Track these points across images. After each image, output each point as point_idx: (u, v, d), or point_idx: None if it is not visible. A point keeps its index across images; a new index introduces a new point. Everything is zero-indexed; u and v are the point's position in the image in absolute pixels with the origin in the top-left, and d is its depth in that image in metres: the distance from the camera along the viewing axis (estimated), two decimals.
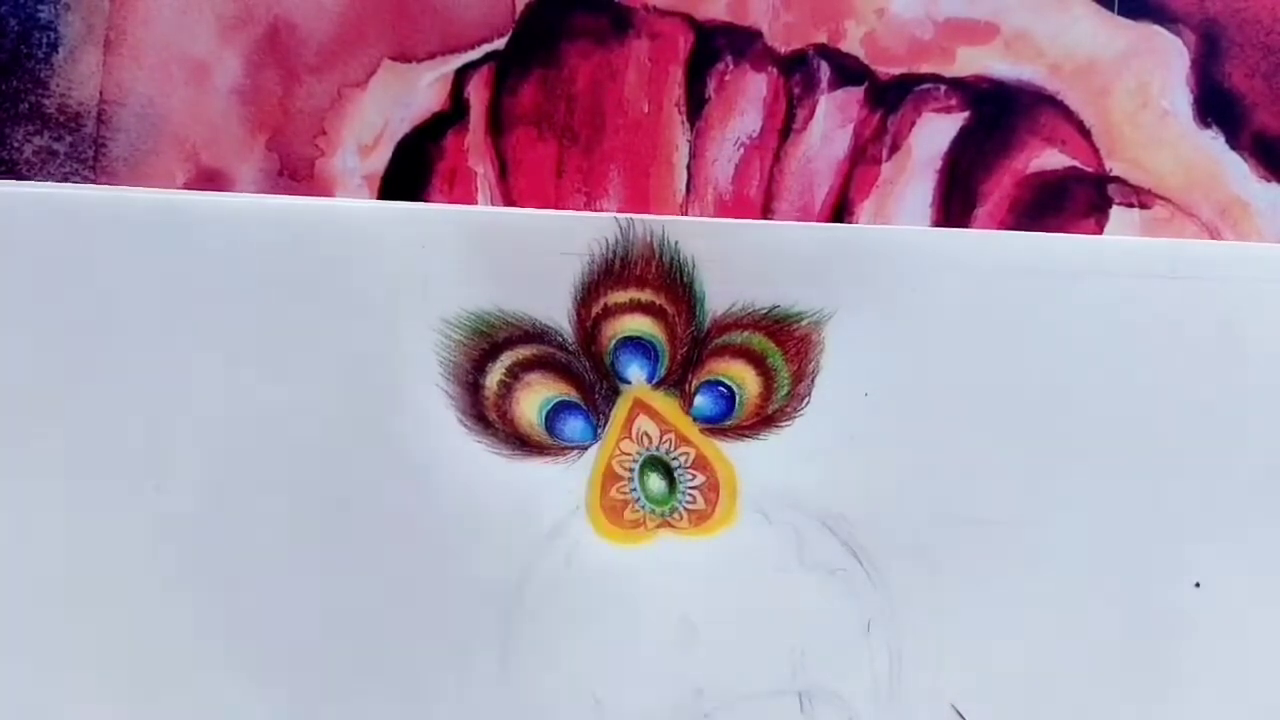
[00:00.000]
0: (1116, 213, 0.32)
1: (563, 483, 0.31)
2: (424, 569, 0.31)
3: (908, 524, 0.31)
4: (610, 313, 0.31)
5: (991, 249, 0.31)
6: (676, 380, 0.31)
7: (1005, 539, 0.31)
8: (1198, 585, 0.31)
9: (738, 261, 0.30)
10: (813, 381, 0.31)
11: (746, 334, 0.31)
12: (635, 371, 0.31)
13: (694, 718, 0.31)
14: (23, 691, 0.30)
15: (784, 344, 0.31)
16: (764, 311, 0.31)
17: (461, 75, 0.32)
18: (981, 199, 0.32)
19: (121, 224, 0.30)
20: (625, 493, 0.31)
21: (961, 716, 0.31)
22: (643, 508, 0.31)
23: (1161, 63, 0.32)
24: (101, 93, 0.32)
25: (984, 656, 0.31)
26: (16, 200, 0.30)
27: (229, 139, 0.32)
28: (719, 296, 0.31)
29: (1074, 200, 0.32)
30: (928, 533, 0.31)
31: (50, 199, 0.31)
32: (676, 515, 0.31)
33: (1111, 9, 0.32)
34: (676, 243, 0.30)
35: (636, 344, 0.31)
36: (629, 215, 0.30)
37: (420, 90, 0.32)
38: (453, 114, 0.32)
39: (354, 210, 0.31)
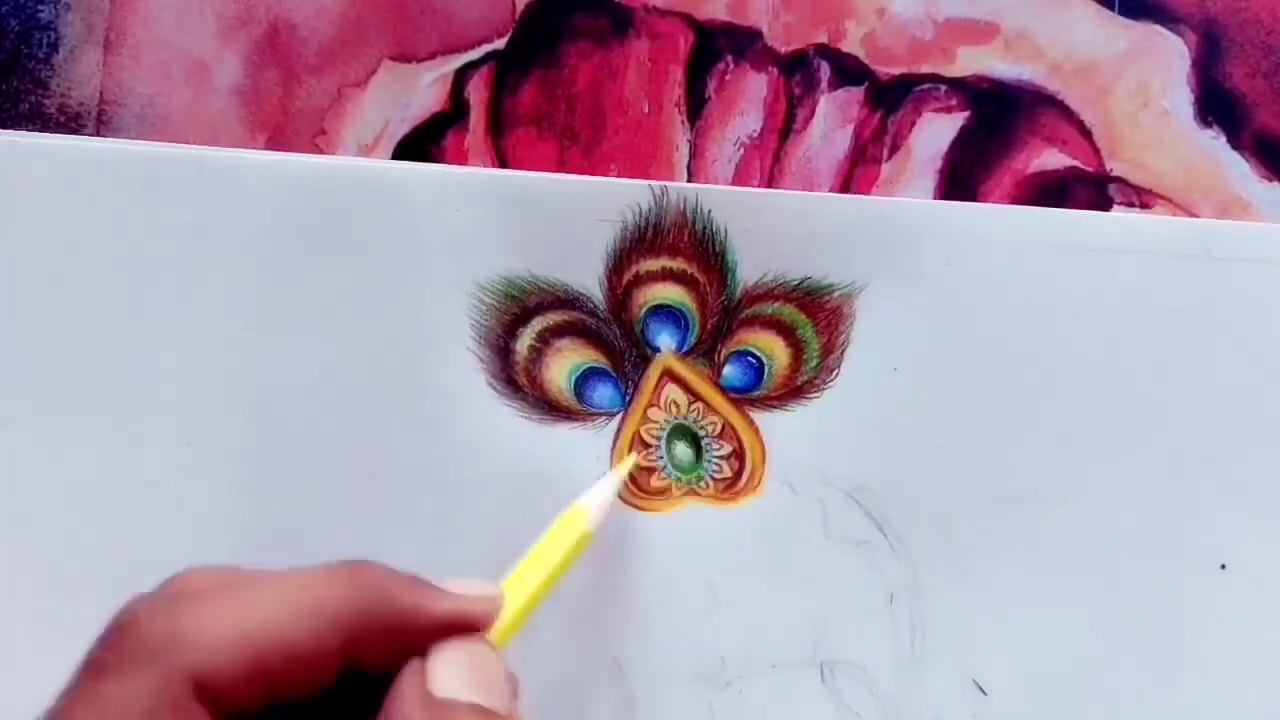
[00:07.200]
0: (1117, 212, 0.32)
1: (590, 448, 0.31)
2: (452, 531, 0.30)
3: (933, 499, 0.30)
4: (641, 280, 0.31)
5: (1026, 225, 0.30)
6: (706, 349, 0.31)
7: (1030, 515, 0.30)
8: (1223, 567, 0.30)
9: (770, 232, 0.30)
10: (842, 354, 0.31)
11: (777, 305, 0.31)
12: (665, 339, 0.31)
13: (716, 686, 0.31)
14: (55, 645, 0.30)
15: (815, 316, 0.31)
16: (795, 283, 0.31)
17: (461, 75, 0.32)
18: (981, 199, 0.32)
19: (151, 181, 0.30)
20: (652, 460, 0.31)
21: (982, 690, 0.31)
22: (669, 475, 0.31)
23: (1162, 63, 0.32)
24: (101, 93, 0.32)
25: (1005, 631, 0.31)
26: (45, 152, 0.30)
27: (229, 139, 0.32)
28: (750, 266, 0.30)
29: (1074, 200, 0.32)
30: (952, 508, 0.30)
31: (79, 150, 0.31)
32: (703, 484, 0.31)
33: (1112, 9, 0.32)
34: (710, 211, 0.30)
35: (667, 312, 0.31)
36: (663, 182, 0.30)
37: (420, 90, 0.32)
38: (453, 114, 0.32)
39: (388, 171, 0.31)
